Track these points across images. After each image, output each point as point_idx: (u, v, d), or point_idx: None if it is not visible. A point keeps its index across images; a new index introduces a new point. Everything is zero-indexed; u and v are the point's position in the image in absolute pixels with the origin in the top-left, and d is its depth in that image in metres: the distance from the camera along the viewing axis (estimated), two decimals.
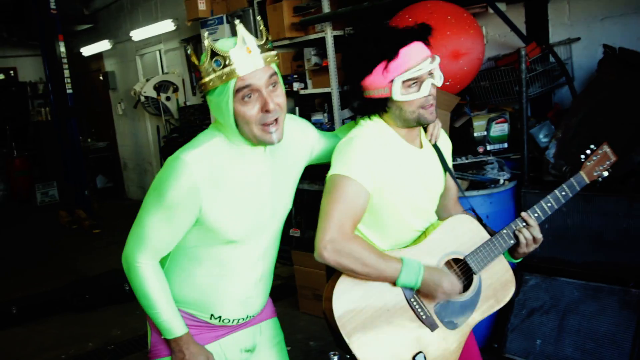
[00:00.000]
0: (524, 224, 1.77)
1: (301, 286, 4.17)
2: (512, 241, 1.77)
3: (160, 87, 7.64)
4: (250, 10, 5.36)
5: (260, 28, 1.56)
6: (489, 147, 3.62)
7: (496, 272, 1.79)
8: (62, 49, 7.79)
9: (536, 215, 1.80)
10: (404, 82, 1.64)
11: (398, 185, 1.70)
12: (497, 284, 1.78)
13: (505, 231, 1.77)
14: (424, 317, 1.68)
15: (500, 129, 3.62)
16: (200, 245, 1.58)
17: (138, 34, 8.02)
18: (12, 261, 6.45)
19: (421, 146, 1.82)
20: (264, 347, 1.79)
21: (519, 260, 1.86)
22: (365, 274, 1.61)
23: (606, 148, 1.91)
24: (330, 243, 1.56)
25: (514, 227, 1.78)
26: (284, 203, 1.69)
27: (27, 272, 5.95)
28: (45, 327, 4.45)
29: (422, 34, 1.71)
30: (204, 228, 1.53)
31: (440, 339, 1.70)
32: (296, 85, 5.10)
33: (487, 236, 1.78)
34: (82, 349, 4.00)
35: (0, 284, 5.57)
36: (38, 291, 5.02)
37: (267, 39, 1.50)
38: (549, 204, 1.83)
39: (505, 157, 3.58)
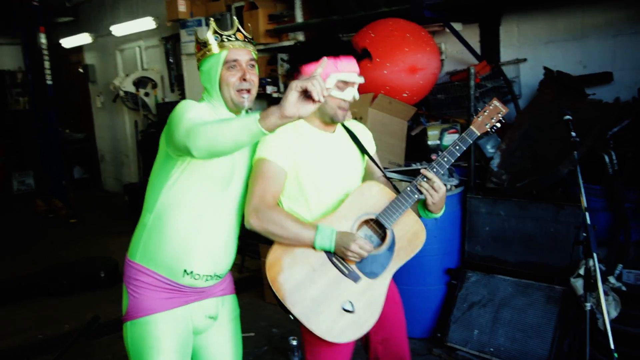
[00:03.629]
0: (425, 178, 2.03)
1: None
2: (415, 195, 2.05)
3: (139, 82, 7.87)
4: (228, 15, 5.63)
5: (250, 29, 2.05)
6: None
7: (407, 224, 2.09)
8: (43, 40, 7.94)
9: (434, 170, 2.05)
10: (338, 80, 2.02)
11: (312, 163, 2.05)
12: (409, 235, 2.09)
13: (408, 188, 2.06)
14: (346, 272, 2.00)
15: (452, 138, 3.96)
16: (179, 193, 1.89)
17: (118, 30, 8.22)
18: None
19: (334, 132, 2.16)
20: (223, 320, 2.09)
21: (438, 215, 2.13)
22: (285, 237, 1.95)
23: (495, 102, 2.13)
24: (254, 211, 1.93)
25: (416, 183, 2.05)
26: (245, 175, 2.03)
27: (4, 259, 6.14)
28: (24, 309, 4.68)
29: (364, 55, 2.15)
30: (189, 165, 1.88)
31: (365, 288, 2.02)
32: (269, 89, 5.40)
33: (393, 196, 2.08)
34: (59, 330, 4.25)
35: None
36: (16, 276, 5.23)
37: (252, 37, 2.02)
38: (445, 159, 2.07)
39: (456, 165, 3.92)
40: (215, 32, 1.93)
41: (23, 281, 5.01)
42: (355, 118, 3.85)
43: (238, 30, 1.96)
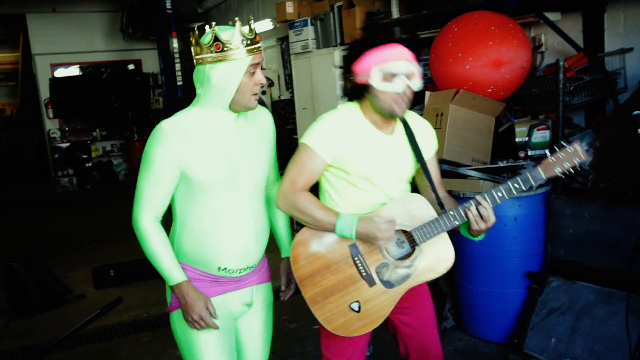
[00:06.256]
0: (477, 203, 1.96)
1: None
2: (456, 221, 1.98)
3: None
4: (331, 14, 5.74)
5: (253, 28, 1.89)
6: (530, 153, 3.74)
7: (438, 247, 2.04)
8: (175, 44, 8.64)
9: (487, 199, 1.97)
10: (383, 74, 1.95)
11: (359, 161, 2.03)
12: (436, 257, 2.04)
13: (452, 212, 1.99)
14: (364, 273, 2.01)
15: (542, 135, 3.74)
16: (193, 200, 1.95)
17: None
18: (121, 232, 7.35)
19: (392, 133, 2.10)
20: (257, 307, 2.16)
21: (478, 238, 2.06)
22: (309, 222, 1.99)
23: (577, 146, 1.93)
24: (282, 194, 2.01)
25: (465, 207, 1.98)
26: (259, 166, 2.03)
27: (128, 244, 6.76)
28: (135, 289, 5.17)
29: (407, 44, 2.02)
30: (187, 180, 1.92)
31: (376, 294, 2.01)
32: None
33: (434, 215, 2.02)
34: (160, 311, 4.63)
35: (106, 252, 6.45)
36: (133, 260, 5.76)
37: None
38: (499, 194, 1.98)
39: None
40: (240, 34, 1.81)
41: (138, 265, 5.49)
42: (436, 115, 3.78)
43: (254, 32, 1.85)
